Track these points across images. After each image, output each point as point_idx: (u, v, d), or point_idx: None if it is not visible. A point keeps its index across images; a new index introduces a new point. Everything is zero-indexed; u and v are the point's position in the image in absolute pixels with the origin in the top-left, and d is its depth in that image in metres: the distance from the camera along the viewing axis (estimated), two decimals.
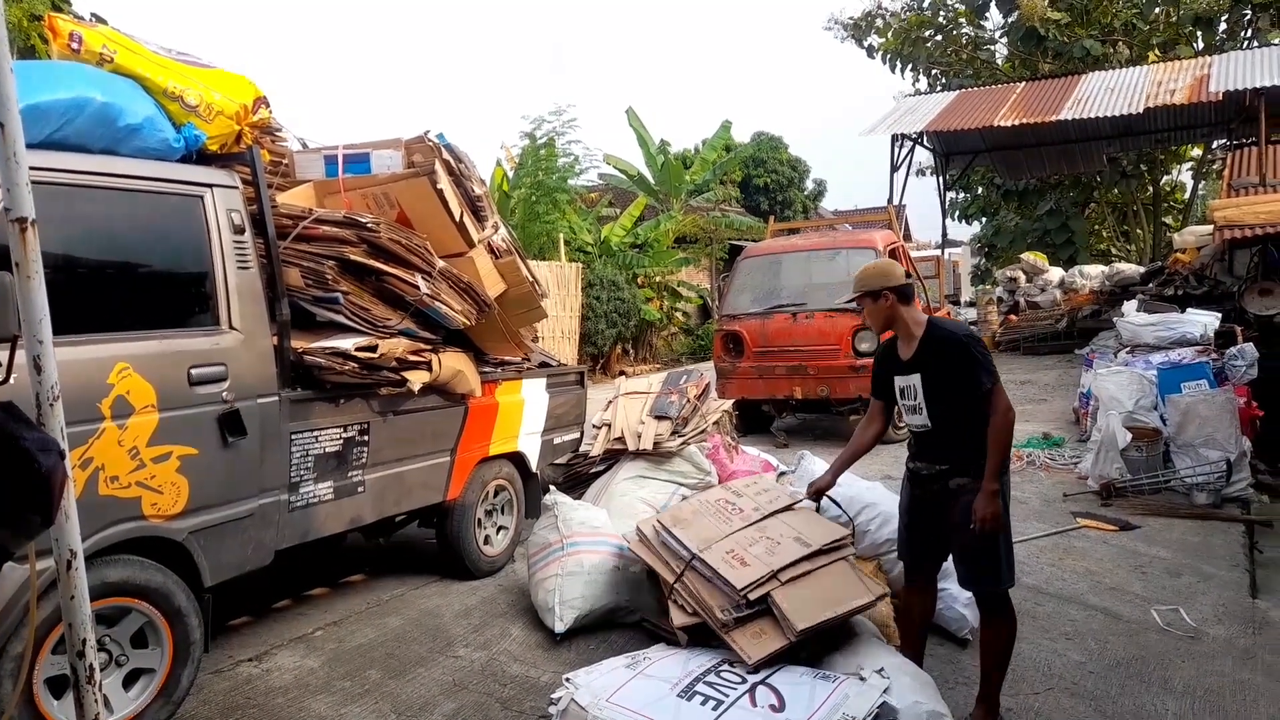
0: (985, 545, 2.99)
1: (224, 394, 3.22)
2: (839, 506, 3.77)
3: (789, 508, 3.57)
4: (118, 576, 2.89)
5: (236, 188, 3.44)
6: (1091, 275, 16.26)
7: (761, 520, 3.48)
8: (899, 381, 3.20)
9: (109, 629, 2.93)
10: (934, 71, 24.13)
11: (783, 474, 5.00)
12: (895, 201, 16.34)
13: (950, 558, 3.17)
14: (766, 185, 30.00)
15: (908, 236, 19.16)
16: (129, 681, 2.99)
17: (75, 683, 1.94)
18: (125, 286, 3.12)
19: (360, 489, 3.94)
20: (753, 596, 3.06)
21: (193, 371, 3.13)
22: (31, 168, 1.91)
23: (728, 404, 6.40)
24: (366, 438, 3.94)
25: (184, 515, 3.11)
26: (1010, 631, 3.10)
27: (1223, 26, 20.34)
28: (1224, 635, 3.92)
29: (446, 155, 4.28)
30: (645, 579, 3.86)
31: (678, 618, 3.21)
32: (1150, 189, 24.10)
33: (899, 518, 3.35)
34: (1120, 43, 20.74)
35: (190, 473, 3.11)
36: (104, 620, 2.90)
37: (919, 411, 3.12)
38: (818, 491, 3.54)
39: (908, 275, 3.40)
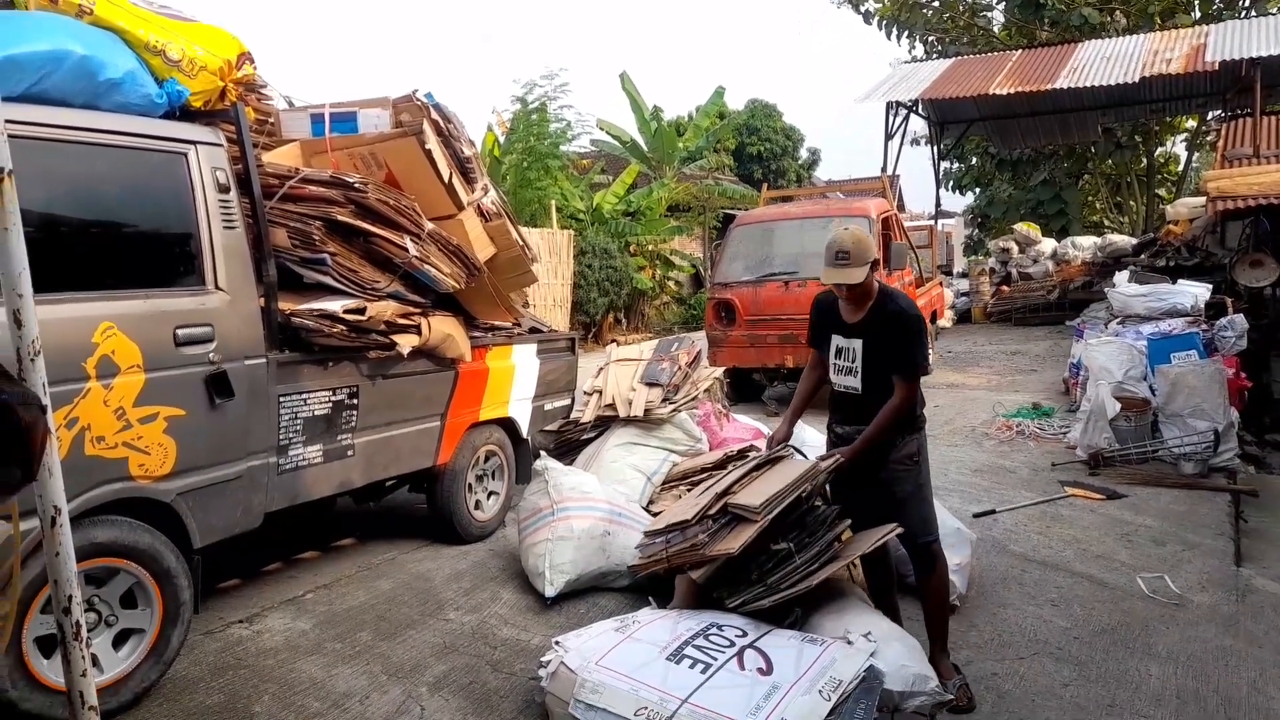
0: (912, 500, 3.16)
1: (210, 355, 3.19)
2: (801, 454, 3.79)
3: (745, 457, 3.63)
4: (105, 537, 2.87)
5: (221, 145, 3.38)
6: (1084, 246, 16.26)
7: (725, 476, 3.53)
8: (838, 341, 3.26)
9: (98, 589, 2.92)
10: (930, 38, 23.84)
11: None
12: (889, 170, 16.22)
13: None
14: (760, 154, 29.80)
15: (901, 206, 19.07)
16: (119, 642, 2.99)
17: (62, 639, 1.93)
18: (108, 245, 3.08)
19: (350, 452, 3.93)
20: (712, 512, 3.16)
21: (179, 332, 3.09)
22: (8, 120, 1.86)
23: (719, 372, 6.40)
24: (355, 401, 3.91)
25: (172, 476, 3.09)
26: (944, 579, 3.30)
27: None
28: (1208, 602, 3.97)
29: (435, 115, 4.21)
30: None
31: (695, 575, 3.26)
32: (1144, 160, 24.01)
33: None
34: (1118, 11, 20.55)
35: (178, 434, 3.08)
36: (93, 581, 2.89)
37: (853, 374, 3.20)
38: (778, 443, 3.56)
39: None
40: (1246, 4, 19.68)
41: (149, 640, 3.02)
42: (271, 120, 4.32)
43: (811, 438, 4.74)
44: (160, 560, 3.03)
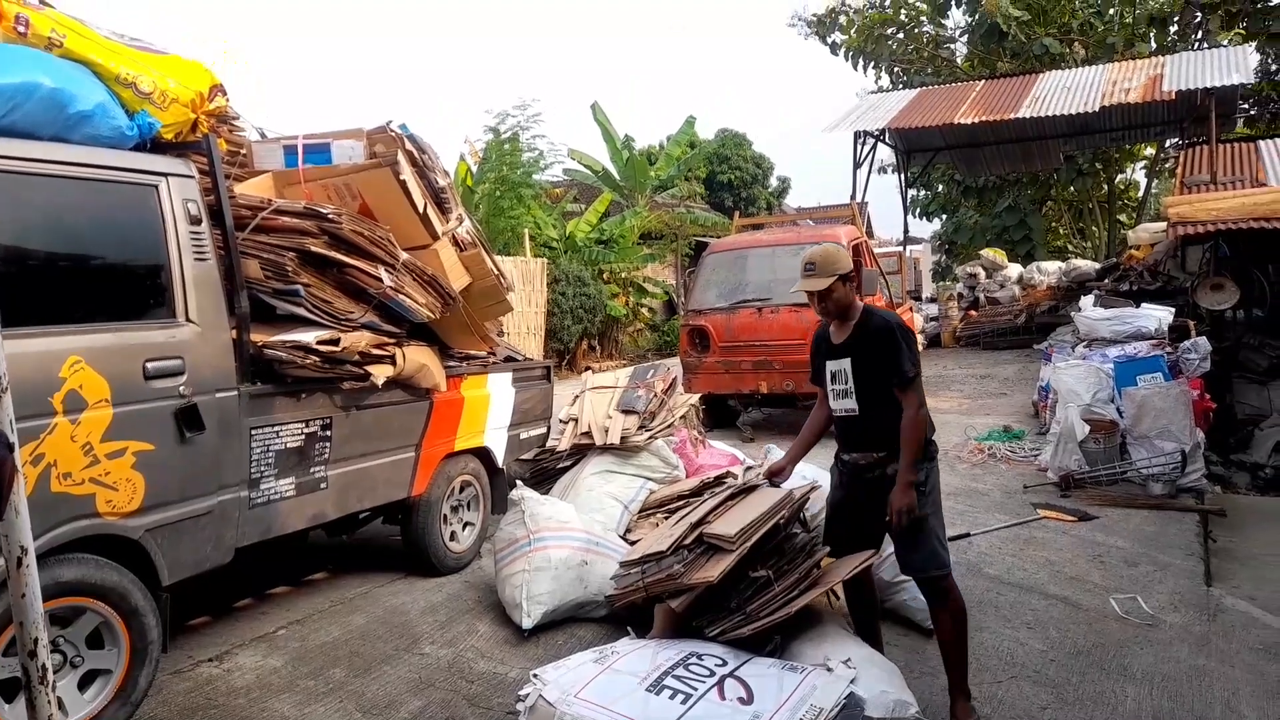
0: (921, 529, 3.06)
1: (181, 388, 3.15)
2: (773, 484, 3.78)
3: (722, 484, 3.63)
4: (72, 576, 2.81)
5: (193, 177, 3.36)
6: (1049, 271, 16.56)
7: (700, 505, 3.53)
8: (830, 365, 3.26)
9: (63, 630, 2.85)
10: (896, 69, 24.33)
11: (749, 468, 5.02)
12: (858, 198, 16.44)
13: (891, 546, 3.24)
14: (731, 182, 30.08)
15: (870, 233, 19.31)
16: (84, 683, 2.91)
17: (27, 684, 1.88)
18: (77, 278, 3.03)
19: (323, 485, 3.88)
20: (688, 542, 3.16)
21: (148, 365, 3.05)
22: None
23: (694, 398, 6.41)
24: (329, 433, 3.87)
25: (140, 513, 3.03)
26: (960, 614, 3.14)
27: (1174, 28, 20.76)
28: (1180, 622, 4.01)
29: (409, 146, 4.21)
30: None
31: (674, 604, 3.24)
32: (1105, 187, 24.57)
33: (826, 509, 3.41)
34: (1076, 42, 21.08)
35: (146, 469, 3.03)
36: (58, 621, 2.81)
37: (848, 395, 3.19)
38: (772, 475, 3.55)
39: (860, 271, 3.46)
40: (1199, 36, 20.27)
41: (116, 681, 2.95)
42: (244, 152, 4.30)
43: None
44: (128, 599, 2.96)
